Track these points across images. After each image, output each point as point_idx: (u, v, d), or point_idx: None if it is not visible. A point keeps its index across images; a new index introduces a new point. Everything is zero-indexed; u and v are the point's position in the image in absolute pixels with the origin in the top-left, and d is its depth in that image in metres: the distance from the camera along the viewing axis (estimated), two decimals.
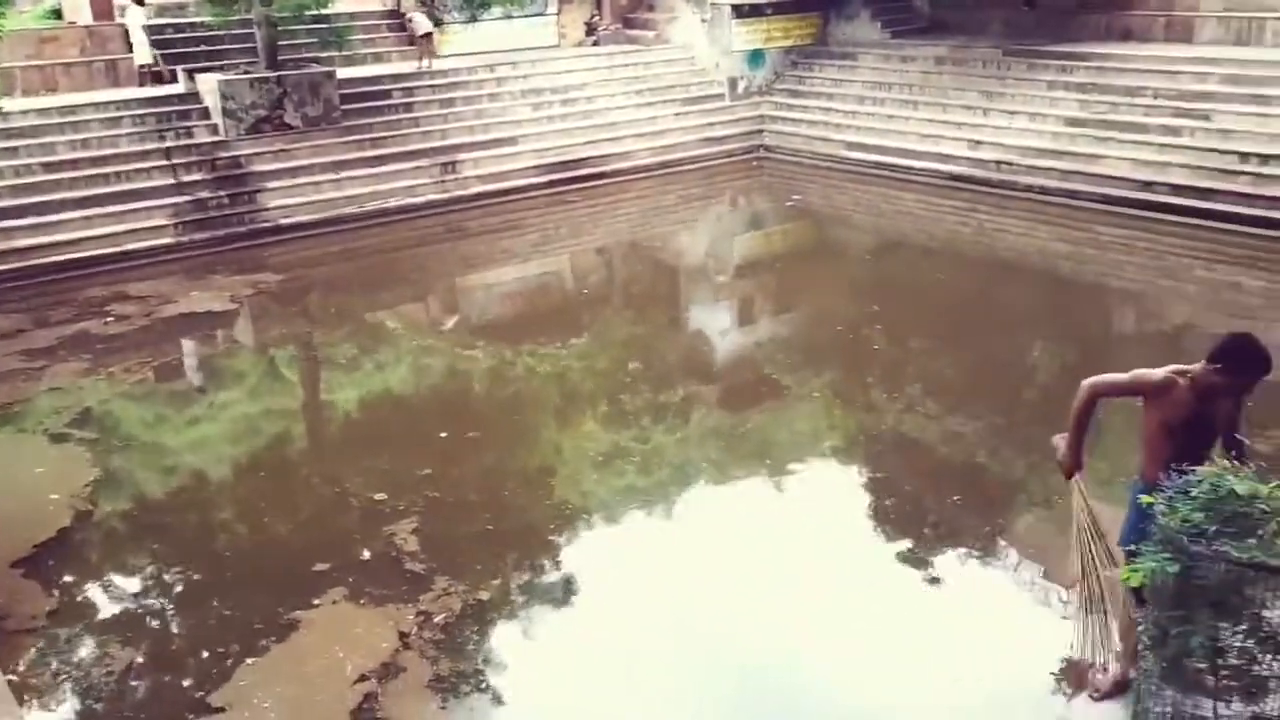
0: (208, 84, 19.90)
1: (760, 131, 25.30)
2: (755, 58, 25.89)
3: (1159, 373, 5.13)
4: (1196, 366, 5.05)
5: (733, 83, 25.61)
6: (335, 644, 7.70)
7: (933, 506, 9.64)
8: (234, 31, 21.28)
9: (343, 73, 21.44)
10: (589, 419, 12.03)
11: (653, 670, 7.42)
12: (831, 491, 10.28)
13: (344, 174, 20.10)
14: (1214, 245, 17.31)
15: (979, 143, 21.37)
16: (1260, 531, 3.60)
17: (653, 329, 15.36)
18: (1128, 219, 18.59)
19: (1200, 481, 3.79)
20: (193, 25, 22.12)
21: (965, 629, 7.68)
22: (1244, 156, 17.86)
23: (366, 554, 8.97)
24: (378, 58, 24.03)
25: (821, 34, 26.60)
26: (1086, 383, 5.50)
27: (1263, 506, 3.67)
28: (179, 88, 20.54)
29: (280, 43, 20.82)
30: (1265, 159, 17.61)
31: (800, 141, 24.52)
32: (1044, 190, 19.96)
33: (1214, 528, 3.62)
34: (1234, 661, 3.64)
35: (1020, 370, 13.19)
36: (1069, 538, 6.01)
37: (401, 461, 10.82)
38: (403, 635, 7.74)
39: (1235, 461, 4.91)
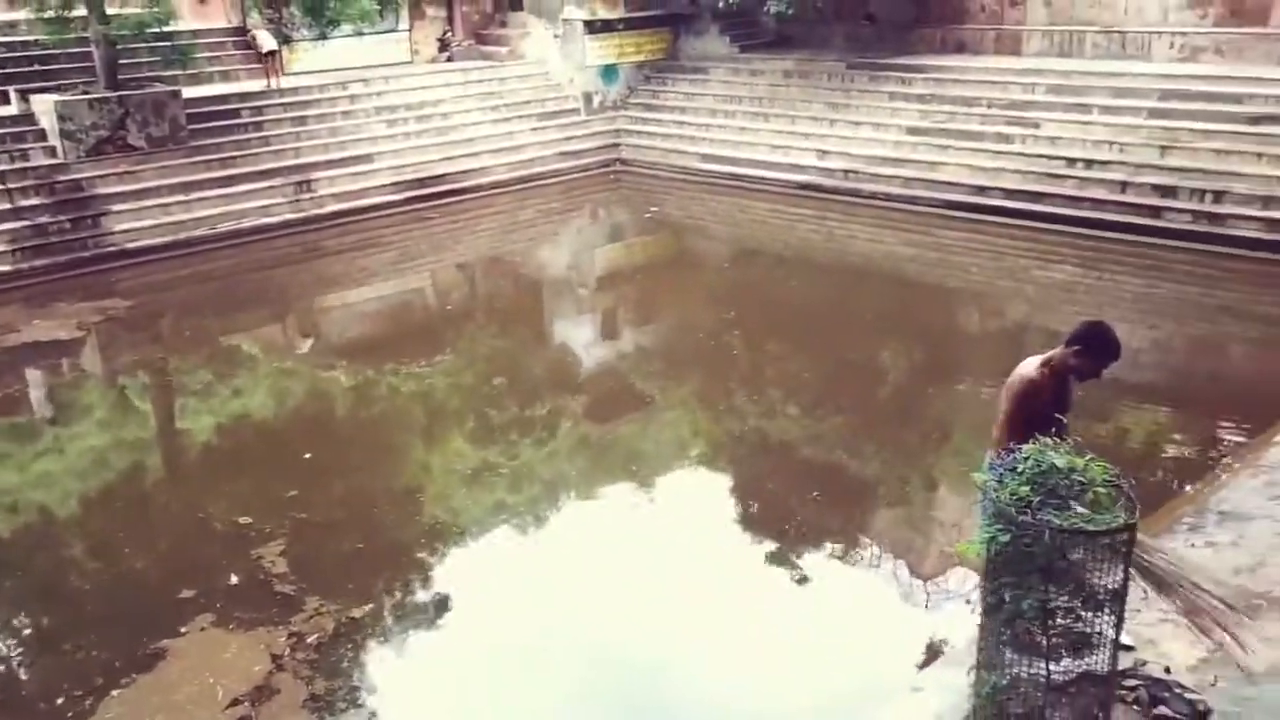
0: (43, 105, 19.15)
1: (616, 145, 25.64)
2: (609, 73, 26.24)
3: (1034, 375, 5.42)
4: (1055, 352, 5.44)
5: (588, 97, 25.90)
6: (206, 670, 7.59)
7: (796, 506, 10.01)
8: (70, 50, 20.51)
9: (188, 91, 20.89)
10: (456, 436, 12.07)
11: (526, 682, 7.55)
12: (699, 497, 10.56)
13: (193, 195, 19.60)
14: (1046, 245, 18.30)
15: (826, 152, 22.13)
16: (1078, 501, 3.97)
17: (517, 344, 15.45)
18: (966, 222, 19.52)
19: (1026, 458, 4.15)
20: (25, 44, 21.25)
21: (831, 623, 8.03)
22: (1070, 161, 18.96)
23: (234, 579, 8.86)
24: (225, 76, 23.48)
25: (673, 49, 27.11)
26: (996, 441, 5.38)
27: (1080, 479, 4.04)
28: (12, 109, 19.69)
29: (121, 61, 20.17)
30: (1089, 163, 18.73)
31: (656, 154, 24.94)
32: (888, 197, 20.79)
33: (1039, 499, 3.97)
34: (1061, 621, 4.01)
35: (874, 370, 13.75)
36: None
37: (266, 485, 10.69)
38: (275, 657, 7.69)
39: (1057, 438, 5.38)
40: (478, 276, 19.62)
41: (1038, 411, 4.96)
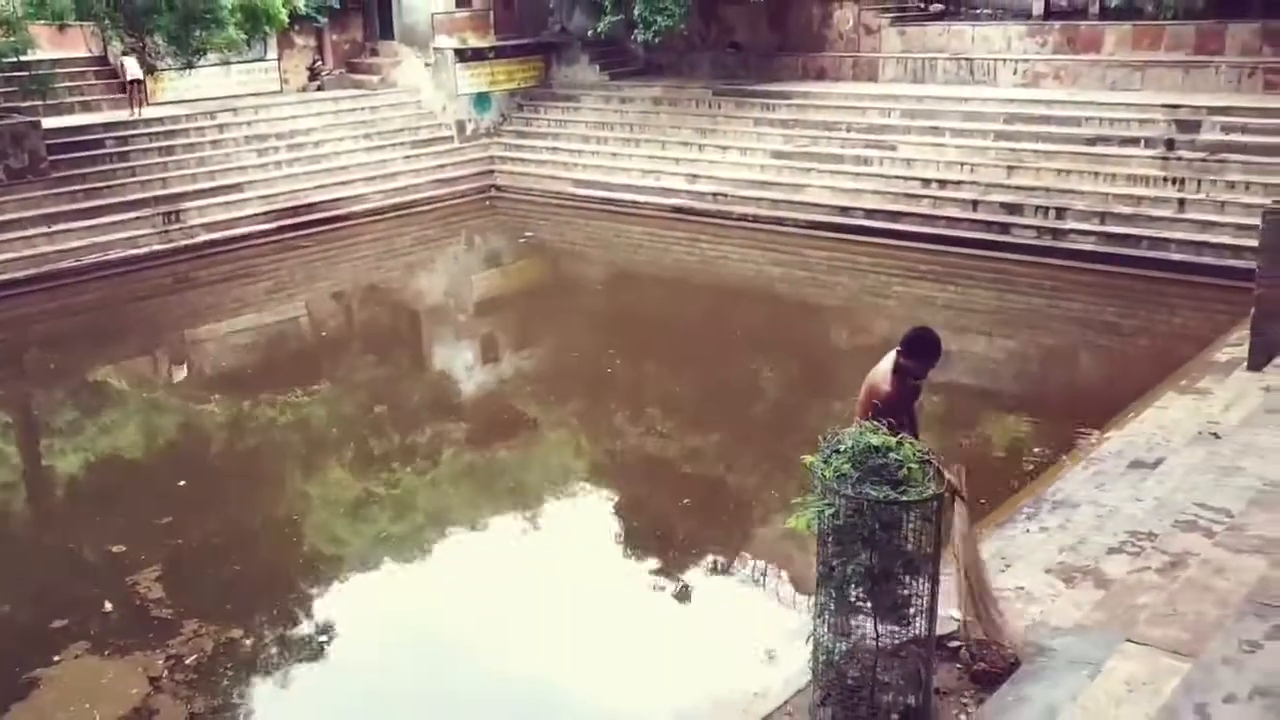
0: None
1: (491, 172, 25.91)
2: (481, 101, 26.51)
3: (886, 375, 5.96)
4: (891, 355, 6.01)
5: (461, 125, 26.13)
6: (82, 696, 7.59)
7: (678, 523, 10.34)
8: None
9: (49, 122, 20.48)
10: (335, 465, 12.09)
11: (408, 701, 7.71)
12: (583, 518, 10.81)
13: (56, 227, 19.19)
14: (905, 262, 19.17)
15: (696, 176, 22.77)
16: (895, 476, 4.42)
17: (396, 371, 15.53)
18: (831, 241, 20.32)
19: (849, 440, 4.59)
20: None
21: (700, 615, 8.42)
22: (925, 182, 19.93)
23: (108, 606, 8.83)
24: (86, 106, 23.04)
25: (545, 77, 27.54)
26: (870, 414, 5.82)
27: (897, 458, 4.49)
28: None
29: None
30: (942, 184, 19.73)
31: (531, 180, 25.28)
32: (756, 218, 21.50)
33: (858, 475, 4.41)
34: (885, 585, 4.43)
35: (748, 386, 14.23)
36: None
37: (139, 514, 10.60)
38: (153, 680, 7.73)
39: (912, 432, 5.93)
40: (354, 304, 19.61)
41: (889, 406, 5.46)
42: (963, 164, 19.81)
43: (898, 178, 20.35)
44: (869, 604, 4.47)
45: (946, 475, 4.56)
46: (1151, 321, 16.59)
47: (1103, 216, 17.93)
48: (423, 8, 26.40)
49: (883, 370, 5.90)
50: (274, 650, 8.30)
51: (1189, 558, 5.14)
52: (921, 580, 4.50)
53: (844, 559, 4.40)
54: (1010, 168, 19.31)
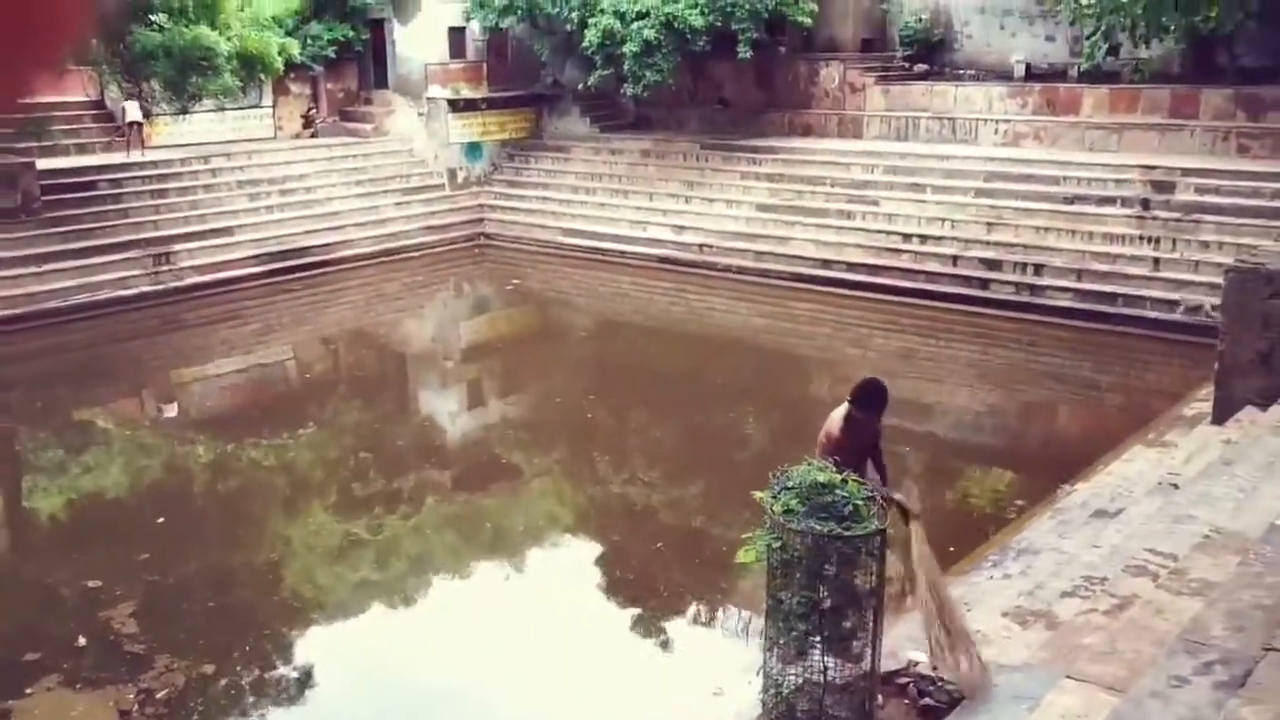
0: None
1: (481, 220, 26.20)
2: (473, 150, 26.88)
3: (838, 422, 6.24)
4: (845, 404, 6.29)
5: (452, 173, 26.47)
6: None
7: (659, 572, 10.44)
8: None
9: (43, 163, 20.73)
10: (318, 508, 12.18)
11: None
12: (560, 564, 10.90)
13: (47, 267, 19.36)
14: (886, 315, 19.43)
15: (683, 227, 23.08)
16: (842, 512, 4.57)
17: (382, 416, 15.64)
18: (814, 294, 20.57)
19: (797, 478, 4.75)
20: None
21: (673, 673, 8.54)
22: (906, 237, 20.25)
23: (82, 640, 8.88)
24: (81, 149, 23.33)
25: (536, 128, 27.94)
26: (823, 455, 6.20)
27: (843, 494, 4.65)
28: None
29: None
30: (923, 239, 20.04)
31: (520, 229, 25.58)
32: (741, 270, 21.78)
33: (804, 509, 4.56)
34: (830, 619, 4.57)
35: (732, 436, 14.38)
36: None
37: (118, 550, 10.69)
38: (124, 714, 7.79)
39: (879, 474, 6.19)
40: (342, 349, 19.78)
41: (840, 450, 5.72)
42: (944, 220, 20.14)
43: (880, 232, 20.67)
44: (816, 637, 4.61)
45: (896, 497, 4.75)
46: (1125, 377, 16.85)
47: (1080, 274, 18.24)
48: (417, 58, 26.84)
49: (835, 417, 6.23)
50: (245, 688, 8.36)
51: (1134, 600, 5.29)
52: (866, 614, 4.65)
53: (791, 593, 4.55)
54: (990, 224, 19.64)
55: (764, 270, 21.55)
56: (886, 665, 4.97)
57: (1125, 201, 18.86)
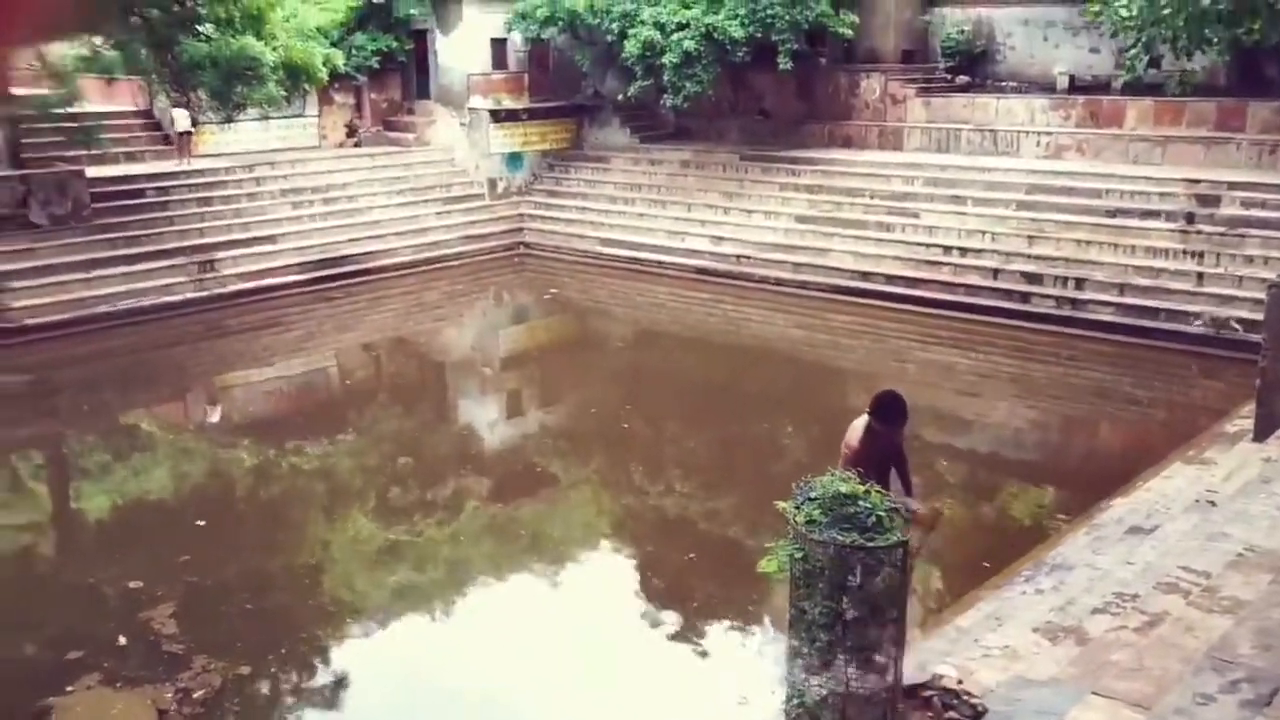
0: None
1: (520, 229, 26.38)
2: (514, 160, 27.08)
3: (858, 433, 6.31)
4: (864, 417, 6.30)
5: (492, 183, 26.67)
6: None
7: (691, 582, 10.47)
8: None
9: (93, 171, 21.15)
10: (357, 514, 12.30)
11: None
12: (598, 575, 10.95)
13: (95, 273, 19.73)
14: (925, 328, 19.32)
15: (721, 238, 23.10)
16: (865, 523, 4.58)
17: (421, 423, 15.76)
18: (852, 306, 20.51)
19: (820, 489, 4.76)
20: None
21: (702, 682, 8.57)
22: (946, 249, 20.15)
23: (123, 639, 9.06)
24: (131, 157, 23.78)
25: (576, 139, 28.10)
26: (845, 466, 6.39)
27: (866, 505, 4.66)
28: None
29: (25, 141, 20.40)
30: (963, 251, 19.93)
31: (559, 239, 25.72)
32: (779, 281, 21.76)
33: (827, 520, 4.58)
34: (852, 630, 4.57)
35: (768, 447, 14.35)
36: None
37: (159, 552, 10.87)
38: (161, 713, 7.93)
39: (904, 485, 6.22)
40: (382, 356, 19.97)
41: (860, 461, 5.75)
42: (984, 233, 20.03)
43: (919, 245, 20.58)
44: (838, 648, 4.62)
45: (914, 506, 4.76)
46: (1168, 392, 16.66)
47: (1122, 288, 18.06)
48: (459, 69, 27.08)
49: (855, 428, 6.27)
50: (280, 690, 8.49)
51: (1165, 617, 5.25)
52: (888, 625, 4.65)
53: (813, 603, 4.57)
54: (1031, 238, 19.50)
55: (802, 282, 21.51)
56: (912, 678, 4.96)
57: (1169, 215, 18.65)
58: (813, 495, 4.67)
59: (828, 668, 4.63)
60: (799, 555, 4.54)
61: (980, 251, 19.82)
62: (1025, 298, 18.85)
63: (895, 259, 20.64)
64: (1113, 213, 19.23)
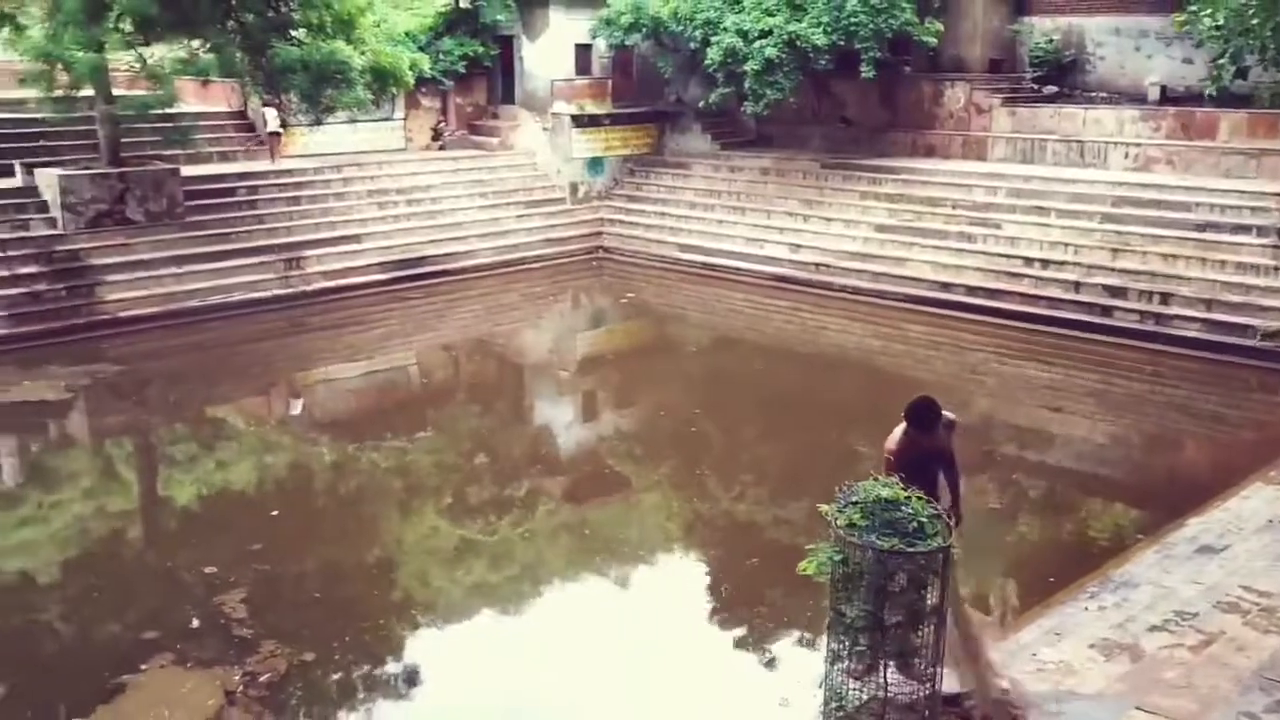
0: (47, 179, 20.02)
1: (599, 234, 26.58)
2: (595, 165, 27.29)
3: (896, 438, 6.36)
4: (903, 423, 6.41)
5: (573, 187, 26.92)
6: (162, 704, 8.09)
7: (765, 590, 10.46)
8: (76, 128, 21.46)
9: (187, 170, 21.82)
10: (428, 511, 12.49)
11: None
12: (662, 578, 10.97)
13: (186, 268, 20.36)
14: (1005, 340, 19.04)
15: (799, 246, 23.02)
16: (906, 529, 4.57)
17: (498, 423, 15.90)
18: (930, 317, 20.29)
19: (862, 493, 4.76)
20: (32, 121, 22.21)
21: (754, 683, 8.59)
22: (1028, 261, 19.83)
23: (195, 622, 9.36)
24: (224, 156, 24.49)
25: (658, 144, 28.23)
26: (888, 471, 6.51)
27: (909, 511, 4.64)
28: (16, 181, 20.55)
29: (123, 139, 21.13)
30: (1045, 264, 19.60)
31: (637, 244, 25.86)
32: (857, 290, 21.62)
33: (867, 524, 4.57)
34: (891, 634, 4.56)
35: (841, 456, 14.22)
36: None
37: (233, 539, 11.19)
38: (228, 694, 8.19)
39: (952, 491, 6.22)
40: (460, 356, 20.26)
41: (900, 466, 5.76)
42: (1067, 245, 19.67)
43: (1001, 256, 20.29)
44: (878, 652, 4.61)
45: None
46: (1253, 411, 16.20)
47: (1209, 304, 17.60)
48: (544, 75, 27.39)
49: (894, 435, 6.36)
50: (343, 678, 8.69)
51: (1219, 636, 5.14)
52: (928, 631, 4.63)
53: (853, 606, 4.57)
54: (1115, 250, 19.10)
55: (880, 291, 21.34)
56: (955, 688, 4.93)
57: (1261, 230, 18.13)
58: (854, 499, 4.68)
59: (868, 672, 4.63)
60: (838, 558, 4.55)
61: (1062, 264, 19.47)
62: (1107, 311, 18.47)
63: (975, 270, 20.37)
64: (1202, 226, 18.75)
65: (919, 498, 4.75)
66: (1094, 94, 24.24)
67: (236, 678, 8.39)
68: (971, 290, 20.14)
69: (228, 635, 9.08)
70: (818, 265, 22.49)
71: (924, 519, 4.57)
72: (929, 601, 4.57)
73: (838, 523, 4.63)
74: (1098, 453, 14.78)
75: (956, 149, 24.21)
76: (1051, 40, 25.07)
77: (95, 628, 9.46)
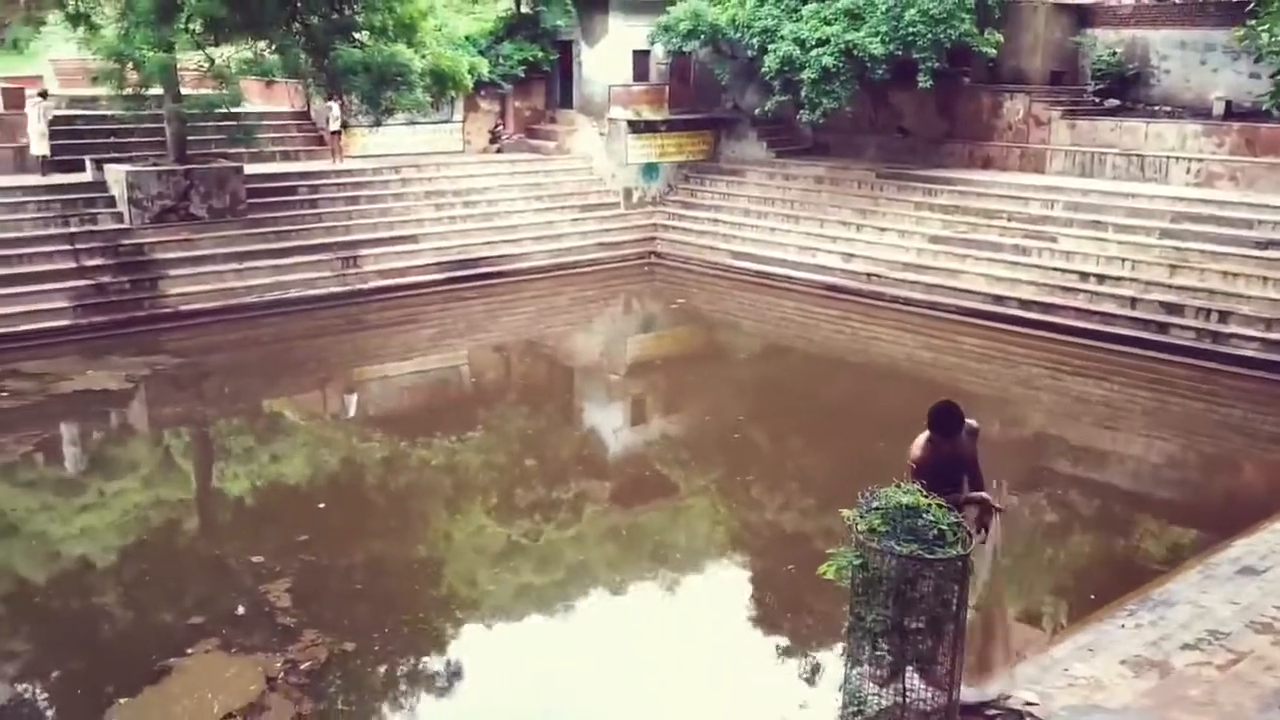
0: (115, 174, 20.56)
1: (653, 239, 26.70)
2: (650, 170, 27.43)
3: (919, 444, 6.45)
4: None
5: (628, 192, 27.08)
6: (205, 687, 8.31)
7: (810, 598, 10.48)
8: (144, 125, 22.01)
9: (250, 168, 22.29)
10: (473, 509, 12.66)
11: None
12: (716, 588, 10.96)
13: (247, 264, 20.80)
14: (1058, 355, 18.83)
15: (852, 255, 22.95)
16: (926, 536, 4.59)
17: (547, 425, 16.04)
18: (982, 329, 20.13)
19: (884, 499, 4.80)
20: (103, 118, 22.81)
21: (780, 686, 8.62)
22: (1083, 276, 19.61)
23: (241, 609, 9.59)
24: (286, 155, 24.97)
25: (713, 151, 28.30)
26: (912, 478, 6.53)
27: (930, 518, 4.67)
28: (86, 176, 21.12)
29: (190, 137, 21.64)
30: (1101, 279, 19.37)
31: (690, 249, 25.94)
32: (909, 301, 21.51)
33: (886, 529, 4.61)
34: (909, 639, 4.59)
35: (886, 468, 14.06)
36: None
37: (280, 529, 11.46)
38: (269, 680, 8.40)
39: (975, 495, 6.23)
40: (512, 357, 20.46)
41: (922, 472, 5.79)
42: (1124, 260, 19.42)
43: (1055, 270, 20.09)
44: (896, 658, 4.65)
45: (983, 495, 4.77)
46: None
47: (1269, 323, 17.30)
48: (602, 80, 27.57)
49: (918, 442, 6.39)
50: (382, 668, 8.86)
51: (1248, 655, 5.11)
52: (946, 638, 4.66)
53: (871, 611, 4.61)
54: (1173, 267, 18.83)
55: (932, 303, 21.22)
56: (978, 696, 4.95)
57: None
58: (875, 505, 4.72)
59: (891, 679, 4.67)
60: (857, 563, 4.60)
61: (1119, 279, 19.24)
62: (1163, 328, 18.22)
63: (1030, 284, 20.19)
64: (1263, 244, 18.42)
65: (940, 505, 4.78)
66: (1157, 108, 23.91)
67: (278, 664, 8.60)
68: (1025, 304, 19.96)
69: (271, 623, 9.30)
70: (870, 275, 22.42)
71: (945, 526, 4.60)
72: (947, 609, 4.60)
73: (858, 528, 4.68)
74: (1151, 472, 14.61)
75: (1014, 161, 24.01)
76: (1115, 53, 24.76)
77: (145, 612, 9.74)
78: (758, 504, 12.85)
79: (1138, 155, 22.11)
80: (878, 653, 4.64)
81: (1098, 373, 18.09)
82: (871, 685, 4.71)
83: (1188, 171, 21.34)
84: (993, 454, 15.06)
